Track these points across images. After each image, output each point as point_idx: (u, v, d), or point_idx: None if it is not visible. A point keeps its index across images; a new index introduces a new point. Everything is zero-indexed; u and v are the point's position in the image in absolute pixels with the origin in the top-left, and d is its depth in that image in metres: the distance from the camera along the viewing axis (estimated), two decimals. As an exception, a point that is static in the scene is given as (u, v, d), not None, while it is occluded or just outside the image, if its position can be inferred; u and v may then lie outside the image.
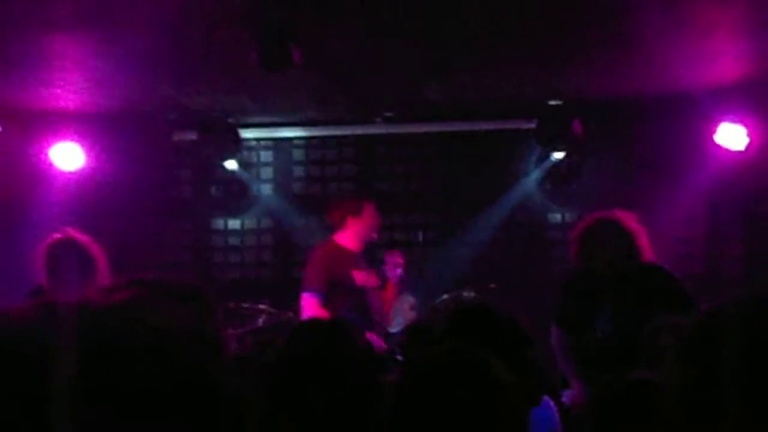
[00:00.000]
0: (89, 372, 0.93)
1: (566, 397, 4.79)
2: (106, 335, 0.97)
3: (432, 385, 1.91)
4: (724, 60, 6.27)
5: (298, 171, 8.48)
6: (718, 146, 7.23)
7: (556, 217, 8.20)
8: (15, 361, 0.96)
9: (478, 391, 1.89)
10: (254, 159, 8.45)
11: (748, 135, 7.13)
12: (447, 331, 3.12)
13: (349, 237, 6.09)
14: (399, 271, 6.38)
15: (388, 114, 7.92)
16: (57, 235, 4.91)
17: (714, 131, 7.20)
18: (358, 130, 8.28)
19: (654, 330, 3.96)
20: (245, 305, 6.90)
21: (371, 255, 6.55)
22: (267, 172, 8.48)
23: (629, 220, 4.97)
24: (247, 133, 8.08)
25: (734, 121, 7.11)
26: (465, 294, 6.93)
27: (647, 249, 4.93)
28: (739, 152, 7.19)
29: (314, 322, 3.64)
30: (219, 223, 8.49)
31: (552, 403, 3.42)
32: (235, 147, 7.91)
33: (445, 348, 2.20)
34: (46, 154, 7.64)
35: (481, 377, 1.92)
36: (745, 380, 1.25)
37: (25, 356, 0.96)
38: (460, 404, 1.87)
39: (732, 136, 7.15)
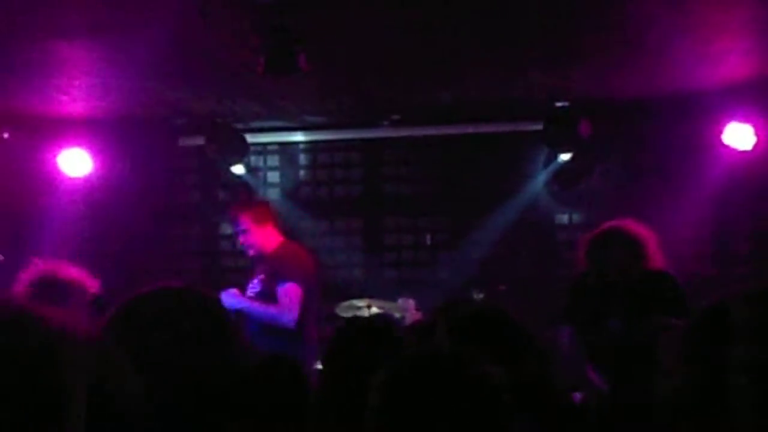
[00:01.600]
0: None
1: (576, 398, 4.80)
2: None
3: (413, 386, 1.90)
4: (732, 59, 6.26)
5: (306, 175, 8.48)
6: (726, 146, 7.21)
7: (564, 218, 8.19)
8: None
9: (460, 391, 1.88)
10: (261, 163, 8.46)
11: (756, 134, 7.11)
12: (447, 332, 3.12)
13: None
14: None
15: (395, 117, 7.92)
16: (36, 271, 4.85)
17: (722, 131, 7.18)
18: (365, 134, 8.29)
19: (651, 332, 3.95)
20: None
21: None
22: (274, 177, 8.49)
23: (637, 228, 4.99)
24: (253, 138, 8.09)
25: (742, 121, 7.10)
26: (474, 296, 6.93)
27: (656, 256, 4.95)
28: (747, 151, 7.18)
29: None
30: (227, 228, 8.49)
31: None
32: (242, 152, 7.93)
33: (429, 348, 2.19)
34: (54, 161, 7.66)
35: (464, 376, 1.91)
36: (751, 375, 1.24)
37: None
38: (442, 403, 1.86)
39: (740, 135, 7.14)
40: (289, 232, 8.38)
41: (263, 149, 8.44)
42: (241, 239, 6.27)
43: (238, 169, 8.08)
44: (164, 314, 1.64)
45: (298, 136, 8.38)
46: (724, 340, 1.31)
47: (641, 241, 4.93)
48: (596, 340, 4.90)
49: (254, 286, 6.17)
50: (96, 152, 7.74)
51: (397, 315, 6.51)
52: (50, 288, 4.84)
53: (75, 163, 7.69)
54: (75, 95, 6.85)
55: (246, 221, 6.21)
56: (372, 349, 2.86)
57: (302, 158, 8.50)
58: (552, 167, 7.92)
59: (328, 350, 3.03)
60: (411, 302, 6.84)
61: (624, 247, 4.91)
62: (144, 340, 1.58)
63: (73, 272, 4.91)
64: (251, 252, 6.26)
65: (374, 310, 6.64)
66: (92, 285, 4.96)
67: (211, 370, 1.60)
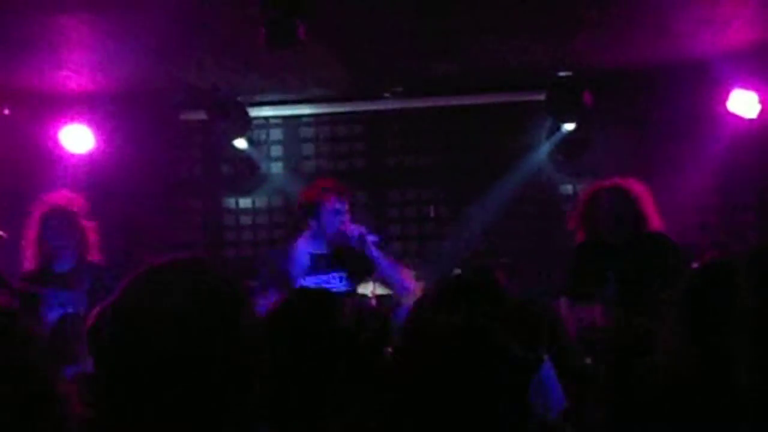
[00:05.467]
0: None
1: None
2: None
3: (440, 354, 1.89)
4: (735, 26, 6.20)
5: (308, 149, 8.46)
6: (731, 113, 7.17)
7: (568, 188, 8.17)
8: None
9: (486, 361, 1.87)
10: (264, 137, 8.44)
11: (761, 101, 7.06)
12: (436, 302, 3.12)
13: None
14: None
15: (397, 89, 7.89)
16: (49, 203, 5.15)
17: (726, 99, 7.13)
18: (368, 106, 8.25)
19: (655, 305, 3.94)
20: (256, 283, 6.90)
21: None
22: (277, 150, 8.47)
23: (634, 186, 4.93)
24: (256, 112, 8.06)
25: (747, 88, 7.04)
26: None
27: (654, 216, 4.90)
28: (752, 119, 7.13)
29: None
30: (230, 202, 8.50)
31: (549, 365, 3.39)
32: (245, 125, 7.90)
33: (452, 319, 2.18)
34: (56, 137, 7.64)
35: (490, 347, 1.90)
36: (752, 325, 1.24)
37: None
38: (467, 372, 1.85)
39: (744, 102, 7.09)
40: (292, 207, 8.41)
41: (266, 123, 8.41)
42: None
43: (241, 143, 8.06)
44: (179, 285, 1.65)
45: (301, 110, 8.35)
46: (727, 294, 1.30)
47: (639, 200, 4.88)
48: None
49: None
50: (98, 128, 7.72)
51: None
52: (62, 227, 5.05)
53: (77, 138, 7.67)
54: (76, 70, 6.83)
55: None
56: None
57: (305, 132, 8.47)
58: (555, 137, 7.89)
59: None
60: (409, 273, 6.79)
61: (620, 206, 4.86)
62: (158, 309, 1.60)
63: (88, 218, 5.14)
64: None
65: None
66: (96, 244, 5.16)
67: (222, 340, 1.61)
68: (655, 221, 4.89)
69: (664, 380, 1.34)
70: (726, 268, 1.34)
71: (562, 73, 7.29)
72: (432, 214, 8.23)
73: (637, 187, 4.93)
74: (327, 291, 3.20)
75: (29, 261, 5.16)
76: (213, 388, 1.57)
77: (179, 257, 1.75)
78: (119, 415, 1.55)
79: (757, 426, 1.25)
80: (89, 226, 5.22)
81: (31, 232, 5.16)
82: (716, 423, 1.29)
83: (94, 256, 5.22)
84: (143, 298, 1.63)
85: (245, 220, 8.48)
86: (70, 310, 4.87)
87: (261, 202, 8.47)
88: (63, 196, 5.28)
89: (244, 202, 8.48)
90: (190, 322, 1.59)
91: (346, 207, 5.30)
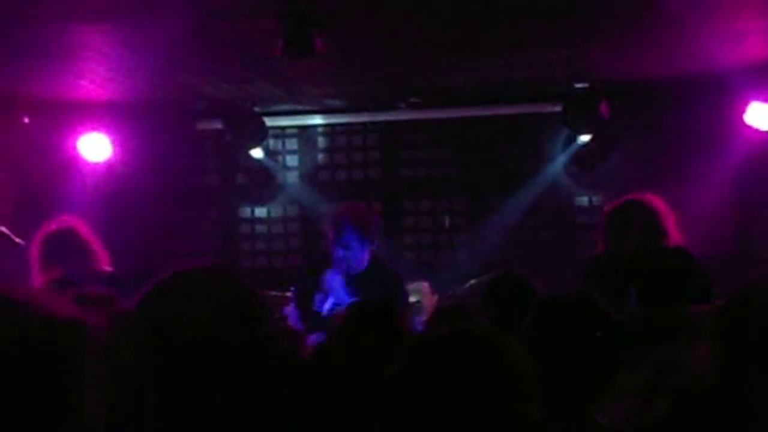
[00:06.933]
0: None
1: None
2: None
3: (443, 366, 1.86)
4: (753, 39, 6.19)
5: (324, 158, 8.49)
6: (748, 126, 7.15)
7: (584, 200, 8.16)
8: None
9: (493, 371, 1.84)
10: (280, 147, 8.47)
11: (777, 114, 7.05)
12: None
13: None
14: None
15: (412, 100, 7.90)
16: (53, 226, 5.11)
17: (743, 111, 7.12)
18: (383, 117, 8.28)
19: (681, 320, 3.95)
20: (273, 293, 6.92)
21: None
22: (293, 160, 8.50)
23: (656, 202, 4.98)
24: (272, 121, 8.09)
25: (763, 101, 7.03)
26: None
27: (674, 231, 4.93)
28: (768, 132, 7.12)
29: None
30: (246, 212, 8.53)
31: None
32: (261, 135, 7.93)
33: (459, 328, 2.15)
34: (74, 146, 7.69)
35: (498, 357, 1.87)
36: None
37: None
38: (473, 383, 1.82)
39: (761, 115, 7.08)
40: (307, 217, 8.43)
41: (282, 132, 8.45)
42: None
43: (257, 153, 8.09)
44: (198, 293, 1.66)
45: (317, 120, 8.39)
46: (750, 323, 1.30)
47: (660, 216, 4.91)
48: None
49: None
50: (115, 137, 7.77)
51: (413, 299, 6.49)
52: (65, 245, 5.03)
53: (95, 147, 7.72)
54: (94, 79, 6.87)
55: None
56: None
57: (321, 141, 8.50)
58: (571, 149, 7.88)
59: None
60: (426, 285, 6.81)
61: (643, 221, 4.90)
62: (175, 318, 1.61)
63: (90, 235, 5.10)
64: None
65: None
66: (105, 256, 5.13)
67: (238, 350, 1.62)
68: (675, 236, 4.91)
69: (699, 409, 1.34)
70: (757, 299, 1.34)
71: (578, 85, 7.29)
72: (447, 225, 8.23)
73: (657, 202, 4.97)
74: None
75: (39, 281, 5.11)
76: (240, 393, 1.58)
77: (201, 265, 1.76)
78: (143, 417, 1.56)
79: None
80: (95, 243, 5.19)
81: (34, 259, 5.12)
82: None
83: (106, 267, 5.21)
84: (169, 302, 1.64)
85: (260, 229, 8.51)
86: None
87: (276, 211, 8.50)
88: (61, 220, 5.25)
89: (260, 212, 8.51)
90: (214, 326, 1.60)
91: None
